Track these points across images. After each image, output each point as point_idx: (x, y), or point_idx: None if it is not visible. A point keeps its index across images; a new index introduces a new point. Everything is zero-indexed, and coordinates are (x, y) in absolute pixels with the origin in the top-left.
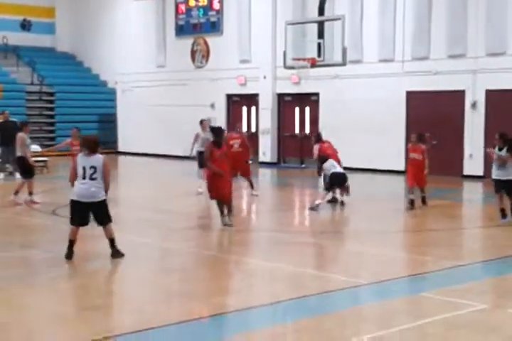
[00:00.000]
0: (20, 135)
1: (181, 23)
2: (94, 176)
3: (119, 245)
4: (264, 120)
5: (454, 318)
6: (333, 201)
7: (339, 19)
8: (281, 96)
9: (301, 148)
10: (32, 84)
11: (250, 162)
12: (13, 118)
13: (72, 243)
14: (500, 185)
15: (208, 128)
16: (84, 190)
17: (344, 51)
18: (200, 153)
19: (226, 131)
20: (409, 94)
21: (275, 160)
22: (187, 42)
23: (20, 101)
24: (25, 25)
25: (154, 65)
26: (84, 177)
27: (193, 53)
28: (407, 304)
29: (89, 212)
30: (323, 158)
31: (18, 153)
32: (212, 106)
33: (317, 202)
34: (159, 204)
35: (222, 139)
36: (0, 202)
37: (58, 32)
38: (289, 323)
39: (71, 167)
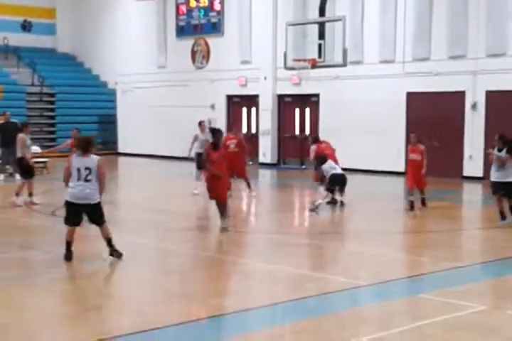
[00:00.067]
0: (20, 136)
1: (182, 23)
2: (89, 178)
3: (118, 246)
4: (264, 121)
5: (454, 320)
6: (332, 202)
7: (340, 20)
8: (281, 97)
9: (302, 149)
10: (32, 85)
11: (250, 163)
12: (13, 120)
13: (69, 244)
14: (499, 186)
15: (206, 129)
16: (78, 191)
17: (345, 52)
18: (199, 155)
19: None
20: (410, 95)
21: (275, 161)
22: (188, 43)
23: (21, 103)
24: (26, 26)
25: (155, 65)
26: (79, 179)
27: (193, 54)
28: (406, 305)
29: (83, 213)
30: (321, 159)
31: (19, 154)
32: (213, 107)
33: (317, 202)
34: (158, 205)
35: (220, 141)
36: (0, 203)
37: (59, 33)
38: (287, 325)
39: (65, 167)
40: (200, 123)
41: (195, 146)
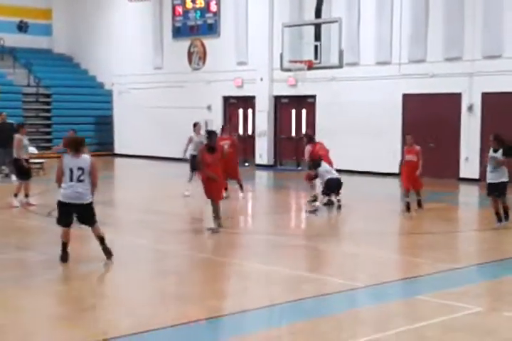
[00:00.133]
0: (17, 137)
1: (178, 24)
2: (81, 178)
3: (115, 247)
4: (260, 122)
5: (450, 321)
6: (329, 203)
7: (336, 21)
8: (277, 99)
9: (298, 151)
10: (28, 85)
11: (246, 164)
12: (10, 120)
13: (65, 245)
14: (493, 187)
15: (201, 131)
16: (71, 192)
17: (341, 53)
18: (193, 157)
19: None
20: (406, 97)
21: (271, 162)
22: (184, 44)
23: (17, 103)
24: (22, 27)
25: (151, 66)
26: (71, 179)
27: (189, 55)
28: (403, 307)
29: (74, 213)
30: (316, 163)
31: (15, 155)
32: (209, 108)
33: (316, 204)
34: (154, 206)
35: (215, 143)
36: None
37: (55, 34)
38: (284, 326)
39: (57, 168)
40: (195, 125)
41: (190, 148)
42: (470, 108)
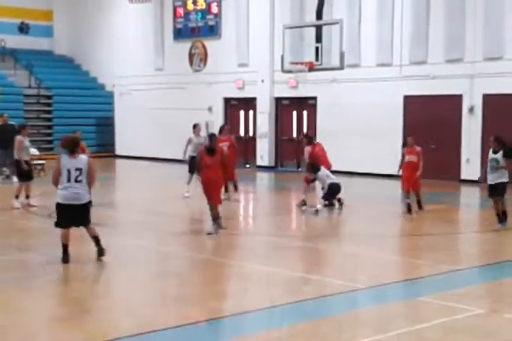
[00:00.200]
0: (18, 138)
1: (179, 26)
2: (79, 178)
3: (115, 248)
4: (261, 124)
5: (451, 323)
6: (329, 205)
7: (337, 23)
8: (278, 100)
9: (299, 152)
10: (29, 87)
11: (248, 166)
12: (11, 122)
13: (66, 247)
14: (493, 188)
15: (201, 133)
16: (70, 193)
17: (342, 55)
18: (192, 158)
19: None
20: (407, 99)
21: (273, 164)
22: (185, 45)
23: (18, 105)
24: (23, 28)
25: (152, 68)
26: (69, 180)
27: (191, 57)
28: (404, 308)
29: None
30: (315, 167)
31: (16, 157)
32: (210, 109)
33: (318, 207)
34: (155, 207)
35: (215, 145)
36: None
37: (56, 35)
38: (284, 327)
39: (54, 168)
40: (195, 127)
41: (189, 149)
42: (471, 109)
